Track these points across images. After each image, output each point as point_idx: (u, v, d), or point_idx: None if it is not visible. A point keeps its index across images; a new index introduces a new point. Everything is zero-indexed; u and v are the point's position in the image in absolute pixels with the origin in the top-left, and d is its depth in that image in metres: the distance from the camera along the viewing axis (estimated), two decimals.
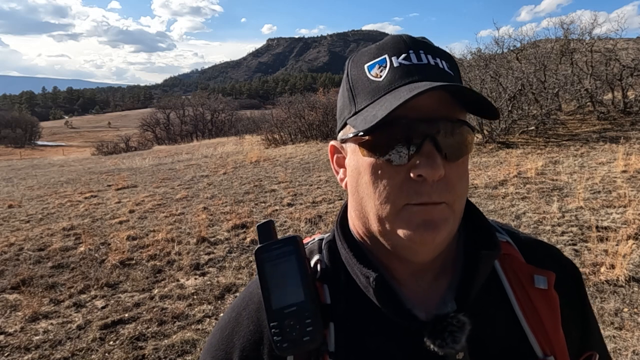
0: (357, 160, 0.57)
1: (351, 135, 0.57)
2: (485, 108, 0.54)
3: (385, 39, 0.59)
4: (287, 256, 0.59)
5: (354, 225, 0.64)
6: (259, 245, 0.60)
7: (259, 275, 0.59)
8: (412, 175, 0.52)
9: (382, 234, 0.57)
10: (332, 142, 0.65)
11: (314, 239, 0.70)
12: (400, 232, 0.54)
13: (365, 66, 0.57)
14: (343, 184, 0.63)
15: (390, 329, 0.58)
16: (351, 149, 0.59)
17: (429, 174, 0.51)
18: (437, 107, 0.53)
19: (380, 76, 0.55)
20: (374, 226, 0.57)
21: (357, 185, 0.58)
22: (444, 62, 0.57)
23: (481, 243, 0.62)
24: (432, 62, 0.56)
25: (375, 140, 0.54)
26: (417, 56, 0.55)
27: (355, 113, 0.57)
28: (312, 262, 0.64)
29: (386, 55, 0.56)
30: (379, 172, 0.54)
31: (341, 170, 0.64)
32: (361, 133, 0.54)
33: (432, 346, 0.55)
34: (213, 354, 0.63)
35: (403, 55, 0.55)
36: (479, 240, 0.63)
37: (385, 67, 0.55)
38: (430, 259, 0.57)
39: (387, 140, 0.53)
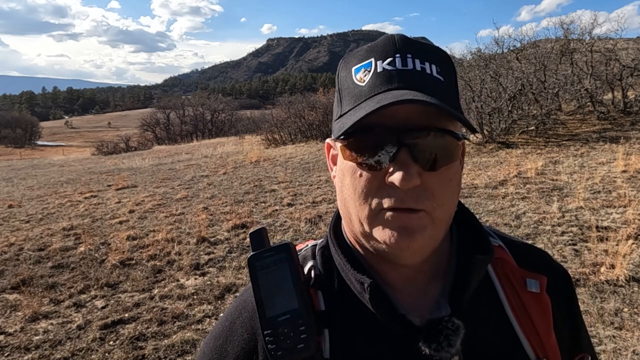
0: (341, 161, 0.58)
1: (334, 138, 0.58)
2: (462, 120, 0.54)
3: (379, 39, 0.58)
4: (280, 263, 0.58)
5: (345, 229, 0.65)
6: (251, 253, 0.60)
7: (252, 284, 0.58)
8: (386, 181, 0.53)
9: (363, 235, 0.58)
10: (328, 140, 0.66)
11: (307, 245, 0.70)
12: (377, 235, 0.55)
13: (353, 69, 0.58)
14: (334, 182, 0.64)
15: (384, 334, 0.58)
16: (338, 150, 0.60)
17: (401, 183, 0.51)
18: (417, 115, 0.52)
19: (364, 81, 0.55)
20: (357, 227, 0.58)
21: (341, 185, 0.59)
22: (433, 67, 0.55)
23: (474, 247, 0.62)
24: (418, 67, 0.54)
25: (354, 145, 0.54)
26: (402, 61, 0.54)
27: (340, 116, 0.58)
28: (306, 269, 0.64)
29: (372, 59, 0.56)
30: (358, 174, 0.55)
31: (335, 168, 0.64)
32: (341, 136, 0.55)
33: (427, 350, 0.54)
34: None
35: (388, 60, 0.55)
36: (472, 244, 0.63)
37: (370, 71, 0.55)
38: (416, 262, 0.57)
39: (364, 147, 0.54)
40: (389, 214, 0.53)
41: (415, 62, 0.55)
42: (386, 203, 0.53)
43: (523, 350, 0.59)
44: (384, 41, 0.57)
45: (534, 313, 0.61)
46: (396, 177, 0.51)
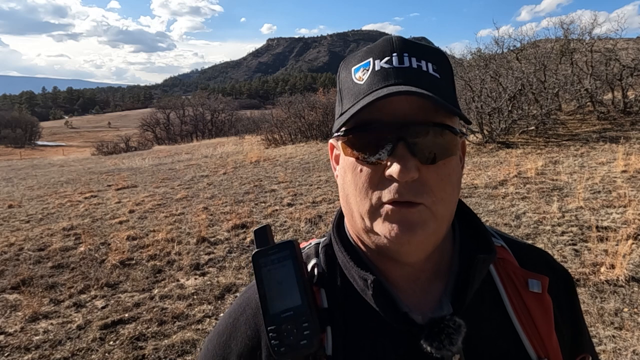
0: (343, 158, 0.60)
1: (335, 135, 0.60)
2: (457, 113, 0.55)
3: (378, 41, 0.60)
4: (284, 261, 0.59)
5: (348, 226, 0.66)
6: (255, 250, 0.60)
7: (256, 280, 0.59)
8: (385, 175, 0.54)
9: (365, 231, 0.58)
10: (331, 140, 0.67)
11: (310, 244, 0.71)
12: (378, 230, 0.56)
13: (352, 69, 0.59)
14: (337, 180, 0.65)
15: (387, 332, 0.59)
16: (340, 148, 0.61)
17: (399, 176, 0.52)
18: (414, 111, 0.53)
19: (362, 79, 0.57)
20: (359, 222, 0.59)
21: (343, 182, 0.60)
22: (429, 65, 0.57)
23: (477, 247, 0.63)
24: (414, 65, 0.56)
25: (354, 141, 0.56)
26: (399, 59, 0.56)
27: (341, 114, 0.59)
28: (309, 267, 0.65)
29: (371, 59, 0.58)
30: (359, 170, 0.56)
31: (337, 167, 0.65)
32: (341, 133, 0.57)
33: (428, 348, 0.55)
34: (210, 359, 0.64)
35: (386, 59, 0.56)
36: (474, 244, 0.64)
37: (368, 70, 0.57)
38: (417, 259, 0.58)
39: (363, 142, 0.55)
40: (389, 207, 0.54)
41: (412, 60, 0.56)
42: (385, 197, 0.54)
43: (524, 350, 0.60)
44: (383, 42, 0.59)
45: (535, 313, 0.61)
46: (394, 170, 0.52)
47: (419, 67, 0.56)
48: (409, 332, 0.57)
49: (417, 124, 0.53)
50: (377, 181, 0.55)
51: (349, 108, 0.57)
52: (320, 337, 0.57)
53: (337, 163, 0.65)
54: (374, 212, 0.55)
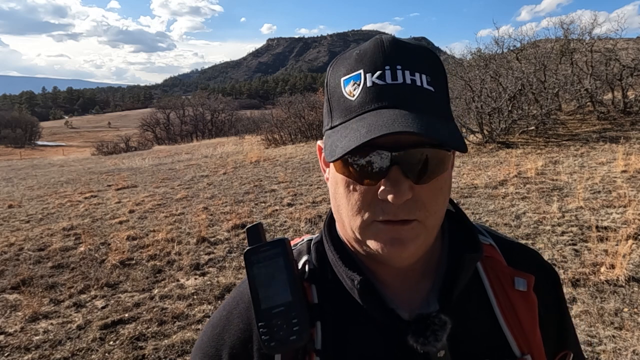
0: (334, 171, 0.59)
1: (327, 160, 0.56)
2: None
3: (368, 43, 0.57)
4: (275, 258, 0.60)
5: (339, 228, 0.66)
6: (248, 248, 0.62)
7: (248, 277, 0.60)
8: (379, 197, 0.53)
9: (355, 241, 0.59)
10: (319, 142, 0.66)
11: (303, 240, 0.71)
12: (370, 244, 0.56)
13: (342, 80, 0.56)
14: (328, 184, 0.64)
15: (375, 328, 0.60)
16: (331, 163, 0.59)
17: (393, 200, 0.51)
18: (407, 134, 0.51)
19: (353, 95, 0.54)
20: (350, 233, 0.59)
21: (334, 192, 0.60)
22: (423, 77, 0.54)
23: (465, 245, 0.64)
24: (408, 80, 0.53)
25: (346, 162, 0.54)
26: (392, 74, 0.53)
27: (331, 128, 0.58)
28: (301, 263, 0.66)
29: (361, 71, 0.54)
30: (351, 187, 0.55)
31: (328, 170, 0.64)
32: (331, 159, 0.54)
33: (414, 344, 0.56)
34: (204, 350, 0.65)
35: (378, 73, 0.53)
36: (462, 242, 0.65)
37: (359, 84, 0.54)
38: (407, 264, 0.59)
39: (356, 164, 0.53)
40: (382, 226, 0.54)
41: (405, 74, 0.54)
42: (379, 217, 0.54)
43: (508, 346, 0.61)
44: (373, 48, 0.55)
45: (520, 310, 0.62)
46: (388, 194, 0.52)
47: (413, 82, 0.53)
48: (397, 328, 0.58)
49: (410, 146, 0.52)
50: (370, 200, 0.54)
51: (339, 124, 0.56)
52: (309, 332, 0.58)
53: (327, 166, 0.64)
54: (365, 227, 0.55)
